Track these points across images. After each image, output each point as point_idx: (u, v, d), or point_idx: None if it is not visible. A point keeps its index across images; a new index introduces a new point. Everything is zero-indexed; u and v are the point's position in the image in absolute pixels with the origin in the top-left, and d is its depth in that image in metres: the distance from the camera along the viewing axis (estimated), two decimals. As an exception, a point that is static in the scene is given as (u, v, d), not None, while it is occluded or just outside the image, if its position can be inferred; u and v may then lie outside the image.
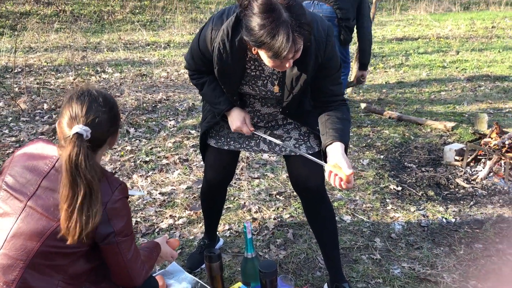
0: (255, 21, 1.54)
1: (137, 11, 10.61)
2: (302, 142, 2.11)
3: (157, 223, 3.00)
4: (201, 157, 3.89)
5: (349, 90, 5.55)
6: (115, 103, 1.62)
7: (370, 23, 4.25)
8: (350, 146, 4.10)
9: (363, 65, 4.44)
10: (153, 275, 2.38)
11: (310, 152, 2.10)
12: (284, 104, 1.95)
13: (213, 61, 1.86)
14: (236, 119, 2.02)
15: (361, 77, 4.52)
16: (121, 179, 3.51)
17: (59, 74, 6.13)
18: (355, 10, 4.03)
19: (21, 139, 4.18)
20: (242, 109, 2.05)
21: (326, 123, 1.90)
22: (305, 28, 1.55)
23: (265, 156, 3.83)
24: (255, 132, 2.06)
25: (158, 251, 1.92)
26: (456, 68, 6.52)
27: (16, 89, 5.38)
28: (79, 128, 1.46)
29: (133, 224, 2.99)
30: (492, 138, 3.72)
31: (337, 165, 1.76)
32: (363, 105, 4.98)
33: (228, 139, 2.21)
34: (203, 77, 2.04)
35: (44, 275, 1.51)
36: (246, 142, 2.19)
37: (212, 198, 2.47)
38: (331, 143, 1.84)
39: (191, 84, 5.77)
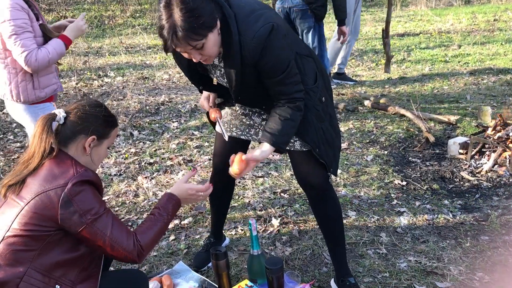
0: (158, 16, 1.69)
1: (138, 15, 10.64)
2: (297, 139, 2.11)
3: (163, 224, 3.01)
4: (205, 157, 3.91)
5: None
6: (97, 114, 1.78)
7: None
8: (354, 142, 4.10)
9: (340, 22, 4.78)
10: (160, 275, 2.40)
11: (305, 149, 2.10)
12: (233, 96, 1.99)
13: None
14: (202, 96, 2.23)
15: (342, 34, 4.89)
16: (126, 181, 3.54)
17: (61, 79, 6.16)
18: None
19: (26, 145, 4.21)
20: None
21: (269, 120, 1.95)
22: (196, 28, 1.64)
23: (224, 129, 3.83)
24: (218, 120, 2.19)
25: (171, 205, 1.87)
26: (459, 62, 6.50)
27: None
28: (58, 110, 1.75)
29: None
30: (496, 131, 3.71)
31: (240, 155, 1.90)
32: (366, 102, 4.97)
33: (231, 126, 2.28)
34: None
35: (13, 261, 1.58)
36: (247, 130, 2.25)
37: (219, 190, 2.49)
38: (262, 142, 1.94)
39: (193, 86, 5.80)
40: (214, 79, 2.06)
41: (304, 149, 2.11)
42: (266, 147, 1.92)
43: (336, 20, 4.81)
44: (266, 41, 1.77)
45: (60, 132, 1.73)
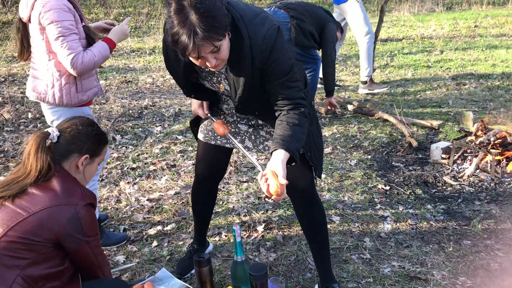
0: (168, 23, 1.62)
1: (122, 18, 10.56)
2: None
3: (145, 230, 2.97)
4: (188, 162, 3.88)
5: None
6: (90, 133, 1.84)
7: (334, 51, 4.30)
8: (338, 147, 4.11)
9: (328, 92, 4.59)
10: (142, 282, 2.36)
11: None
12: (235, 104, 1.95)
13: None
14: (194, 102, 2.16)
15: (329, 106, 4.73)
16: (108, 186, 3.49)
17: (43, 83, 6.07)
18: (317, 30, 4.17)
19: (5, 149, 4.13)
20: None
21: (277, 128, 1.86)
22: (214, 30, 1.57)
23: (254, 159, 3.82)
24: (228, 134, 2.10)
25: None
26: (441, 67, 6.58)
27: (0, 99, 5.32)
28: (52, 129, 1.78)
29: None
30: (477, 136, 3.75)
31: (274, 172, 1.70)
32: (350, 107, 4.99)
33: (215, 134, 2.23)
34: None
35: (2, 266, 1.59)
36: (233, 137, 2.19)
37: (202, 196, 2.47)
38: (275, 149, 1.79)
39: (177, 89, 5.76)
40: (221, 85, 1.97)
41: None
42: (281, 153, 1.76)
43: (325, 91, 4.65)
44: (274, 42, 1.77)
45: (53, 150, 1.75)
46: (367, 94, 5.47)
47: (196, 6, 1.55)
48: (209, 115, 2.13)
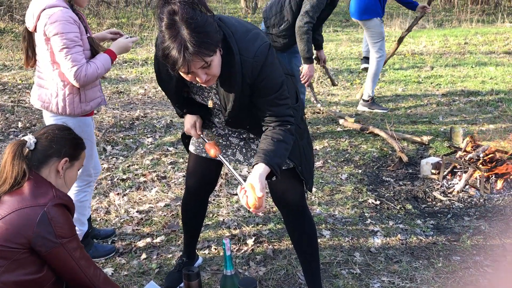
0: (160, 37, 1.62)
1: (115, 28, 10.59)
2: None
3: (134, 242, 2.95)
4: (179, 174, 3.86)
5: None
6: (66, 137, 1.85)
7: (303, 18, 3.86)
8: (329, 161, 4.12)
9: (305, 60, 4.04)
10: (130, 295, 2.33)
11: (284, 168, 2.10)
12: (225, 118, 1.96)
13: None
14: (187, 122, 2.12)
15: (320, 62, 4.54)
16: (97, 197, 3.46)
17: (34, 92, 6.05)
18: (289, 12, 3.95)
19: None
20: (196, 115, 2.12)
21: (261, 143, 1.88)
22: (204, 45, 1.58)
23: (244, 171, 3.82)
24: (219, 156, 2.07)
25: None
26: (431, 83, 6.64)
27: (-10, 108, 5.28)
28: (28, 136, 1.78)
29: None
30: (467, 152, 3.78)
31: (252, 185, 1.74)
32: (341, 121, 5.01)
33: None
34: None
35: None
36: (223, 151, 2.20)
37: (192, 208, 2.46)
38: (256, 163, 1.82)
39: (169, 101, 5.76)
40: (210, 102, 1.98)
41: (283, 168, 2.10)
42: (261, 167, 1.79)
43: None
44: (265, 59, 1.78)
45: (31, 157, 1.75)
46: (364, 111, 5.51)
47: (188, 21, 1.56)
48: (201, 136, 2.12)
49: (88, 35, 2.51)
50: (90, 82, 2.46)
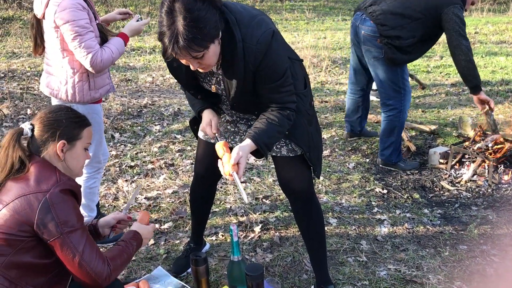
0: (159, 20, 1.65)
1: (123, 8, 10.58)
2: (284, 144, 2.11)
3: (142, 228, 2.97)
4: (187, 161, 3.88)
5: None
6: (60, 118, 1.77)
7: (460, 38, 3.27)
8: (336, 150, 4.11)
9: (470, 89, 3.52)
10: (137, 280, 2.36)
11: (292, 155, 2.10)
12: (229, 104, 1.98)
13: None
14: (203, 121, 2.11)
15: (482, 105, 3.56)
16: (106, 184, 3.49)
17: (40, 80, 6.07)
18: (424, 27, 3.35)
19: (4, 145, 4.12)
20: (213, 112, 2.11)
21: (256, 121, 1.94)
22: (198, 40, 1.61)
23: (251, 160, 3.83)
24: (233, 175, 1.98)
25: (135, 241, 1.88)
26: (440, 73, 6.59)
27: (-1, 94, 5.31)
28: (25, 124, 1.75)
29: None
30: (475, 141, 3.76)
31: (229, 156, 1.84)
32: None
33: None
34: None
35: None
36: (232, 137, 2.22)
37: (200, 194, 2.47)
38: (246, 138, 1.89)
39: (177, 88, 5.76)
40: (213, 87, 1.99)
41: (290, 155, 2.11)
42: (247, 142, 1.86)
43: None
44: (268, 47, 1.78)
45: (30, 144, 1.74)
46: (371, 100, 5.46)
47: (185, 13, 1.58)
48: (216, 135, 2.11)
49: (97, 21, 2.51)
50: (107, 67, 2.47)
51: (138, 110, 5.06)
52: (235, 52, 1.76)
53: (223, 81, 1.90)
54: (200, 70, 1.79)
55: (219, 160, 1.87)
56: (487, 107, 3.56)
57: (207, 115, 2.10)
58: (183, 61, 1.74)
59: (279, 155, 2.13)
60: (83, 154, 1.83)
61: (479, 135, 3.81)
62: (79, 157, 1.81)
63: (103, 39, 2.51)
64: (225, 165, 1.85)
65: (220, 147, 2.00)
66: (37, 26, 2.53)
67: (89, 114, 2.48)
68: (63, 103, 2.52)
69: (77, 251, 1.62)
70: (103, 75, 2.58)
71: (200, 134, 2.33)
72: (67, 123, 1.76)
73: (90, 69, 2.40)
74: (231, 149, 1.91)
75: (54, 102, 2.57)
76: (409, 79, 3.68)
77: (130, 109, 5.02)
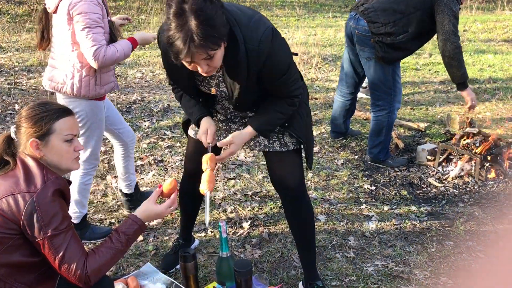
0: (166, 25, 1.62)
1: (112, 11, 10.48)
2: (276, 139, 2.13)
3: (131, 224, 2.96)
4: (176, 158, 3.87)
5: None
6: (28, 116, 1.73)
7: (448, 33, 3.27)
8: (325, 146, 4.13)
9: (457, 86, 3.59)
10: (126, 277, 2.36)
11: (284, 150, 2.12)
12: (232, 104, 1.99)
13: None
14: (200, 129, 2.09)
15: (468, 104, 3.63)
16: (94, 180, 3.47)
17: (31, 75, 6.01)
18: (416, 22, 3.33)
19: None
20: (211, 120, 2.09)
21: (260, 107, 2.01)
22: (211, 39, 1.59)
23: (241, 157, 3.83)
24: (206, 194, 1.99)
25: (126, 236, 1.80)
26: (429, 70, 6.64)
27: (-14, 90, 5.26)
28: (12, 127, 1.77)
29: (107, 226, 2.95)
30: (465, 137, 3.80)
31: (209, 173, 1.95)
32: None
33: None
34: (180, 91, 2.12)
35: None
36: (224, 135, 2.22)
37: (190, 191, 2.47)
38: (248, 125, 2.00)
39: (166, 84, 5.74)
40: (212, 89, 1.99)
41: (283, 150, 2.12)
42: (249, 129, 1.98)
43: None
44: (271, 45, 1.79)
45: (16, 144, 1.75)
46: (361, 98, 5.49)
47: (197, 12, 1.56)
48: (210, 145, 2.09)
49: (109, 18, 2.53)
50: (108, 65, 2.47)
51: (127, 106, 5.04)
52: (238, 54, 1.76)
53: (224, 83, 1.91)
54: (204, 74, 1.76)
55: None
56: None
57: (205, 124, 2.08)
58: (190, 66, 1.72)
59: (271, 150, 2.14)
60: (65, 147, 1.75)
61: (468, 125, 3.83)
62: (59, 151, 1.74)
63: (112, 38, 2.52)
64: (202, 183, 1.91)
65: (205, 161, 1.99)
66: (46, 20, 2.54)
67: (92, 111, 2.50)
68: (67, 97, 2.51)
69: (58, 254, 1.64)
70: (109, 72, 2.59)
71: (191, 133, 2.33)
72: (34, 121, 1.72)
73: (91, 62, 2.40)
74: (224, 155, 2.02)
75: (59, 97, 2.56)
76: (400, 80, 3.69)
77: (119, 105, 5.00)
